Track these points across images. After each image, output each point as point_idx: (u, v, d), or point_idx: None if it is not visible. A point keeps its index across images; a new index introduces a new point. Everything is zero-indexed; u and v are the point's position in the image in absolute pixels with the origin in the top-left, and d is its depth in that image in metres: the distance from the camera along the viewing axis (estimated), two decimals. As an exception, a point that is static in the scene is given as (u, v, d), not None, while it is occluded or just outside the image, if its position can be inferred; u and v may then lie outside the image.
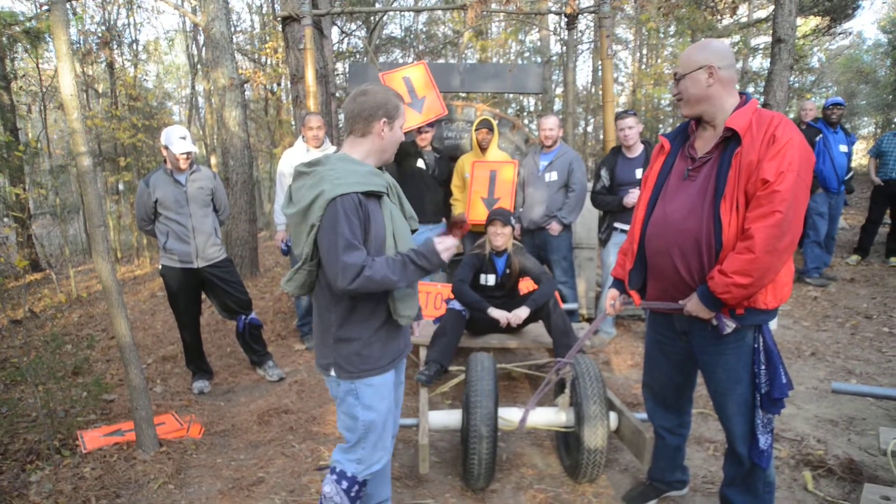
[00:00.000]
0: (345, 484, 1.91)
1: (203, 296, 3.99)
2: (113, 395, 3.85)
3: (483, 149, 4.56)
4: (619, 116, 4.22)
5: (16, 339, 4.23)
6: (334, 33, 10.25)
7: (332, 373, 1.87)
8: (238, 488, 2.67)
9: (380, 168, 1.91)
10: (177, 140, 3.60)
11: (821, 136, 5.55)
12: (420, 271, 1.78)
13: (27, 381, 3.79)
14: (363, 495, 1.99)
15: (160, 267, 3.83)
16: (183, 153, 3.59)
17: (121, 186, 10.27)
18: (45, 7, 7.76)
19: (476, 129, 4.54)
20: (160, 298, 6.78)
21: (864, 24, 34.92)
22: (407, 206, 1.97)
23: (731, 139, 1.84)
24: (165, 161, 3.71)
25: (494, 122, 4.64)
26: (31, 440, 3.13)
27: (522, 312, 3.42)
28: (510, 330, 3.71)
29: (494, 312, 3.44)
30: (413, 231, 1.96)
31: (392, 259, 1.76)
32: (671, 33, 14.14)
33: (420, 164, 4.53)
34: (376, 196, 1.81)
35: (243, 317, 3.99)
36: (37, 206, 8.91)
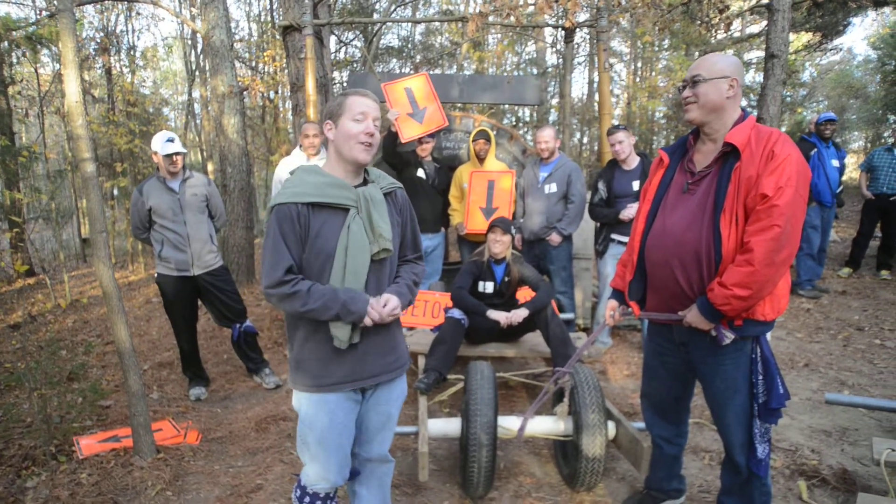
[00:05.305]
0: (298, 492, 1.96)
1: (199, 302, 3.99)
2: (109, 401, 3.83)
3: (481, 159, 4.60)
4: (609, 132, 4.29)
5: (10, 343, 4.21)
6: (331, 42, 10.31)
7: None
8: (236, 495, 2.67)
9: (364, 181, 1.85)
10: (164, 143, 3.62)
11: (815, 150, 5.63)
12: (340, 313, 1.71)
13: (23, 387, 3.77)
14: None
15: (156, 275, 3.82)
16: (171, 154, 3.60)
17: (115, 192, 10.25)
18: (46, 13, 7.77)
19: (473, 140, 4.59)
20: (155, 304, 6.76)
21: (855, 41, 35.58)
22: (378, 226, 1.77)
23: (730, 154, 1.88)
24: (159, 168, 3.72)
25: (492, 133, 4.69)
26: (26, 446, 3.11)
27: (522, 312, 3.44)
28: (508, 338, 3.73)
29: (494, 314, 3.45)
30: (381, 252, 1.78)
31: (326, 290, 1.71)
32: (665, 47, 14.32)
33: (420, 173, 4.57)
34: (333, 208, 1.74)
35: (238, 325, 3.99)
36: (29, 210, 8.87)
